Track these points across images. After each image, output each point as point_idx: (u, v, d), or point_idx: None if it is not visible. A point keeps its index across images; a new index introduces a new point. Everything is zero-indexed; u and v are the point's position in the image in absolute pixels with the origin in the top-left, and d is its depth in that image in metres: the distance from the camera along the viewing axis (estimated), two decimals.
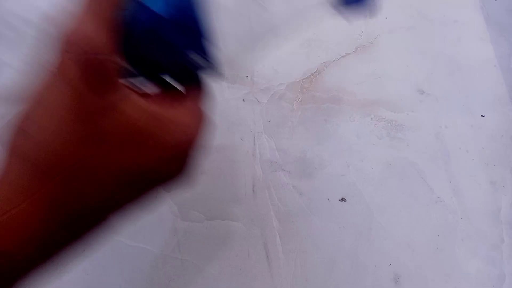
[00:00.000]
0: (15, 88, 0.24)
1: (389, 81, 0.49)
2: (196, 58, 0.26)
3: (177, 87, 0.28)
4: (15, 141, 0.23)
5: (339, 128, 0.47)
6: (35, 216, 0.22)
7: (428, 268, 0.43)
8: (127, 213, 0.27)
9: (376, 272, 0.43)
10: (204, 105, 0.28)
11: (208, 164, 0.46)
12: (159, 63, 0.26)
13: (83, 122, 0.22)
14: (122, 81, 0.24)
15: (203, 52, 0.26)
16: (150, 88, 0.28)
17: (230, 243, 0.43)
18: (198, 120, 0.27)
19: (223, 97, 0.48)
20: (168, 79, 0.28)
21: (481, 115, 0.48)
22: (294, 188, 0.45)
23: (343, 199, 0.44)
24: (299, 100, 0.48)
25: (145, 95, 0.26)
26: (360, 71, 0.49)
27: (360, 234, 0.43)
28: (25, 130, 0.23)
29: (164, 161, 0.25)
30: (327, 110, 0.48)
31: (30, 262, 0.23)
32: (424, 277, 0.43)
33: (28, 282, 0.23)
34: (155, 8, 0.22)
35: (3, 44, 0.47)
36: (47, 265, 0.24)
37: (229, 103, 0.48)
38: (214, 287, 0.42)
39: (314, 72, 0.49)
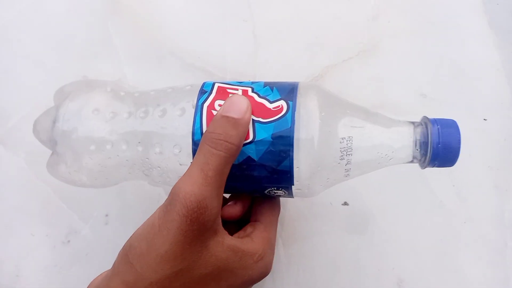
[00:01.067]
0: None
1: (392, 85, 0.49)
2: (274, 191, 0.31)
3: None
4: (120, 265, 0.28)
5: None
6: None
7: (432, 272, 0.43)
8: None
9: (379, 276, 0.42)
10: (275, 231, 0.33)
11: None
12: (245, 191, 0.32)
13: (177, 263, 0.27)
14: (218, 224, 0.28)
15: (280, 185, 0.30)
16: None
17: None
18: (270, 248, 0.31)
19: None
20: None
21: (484, 119, 0.48)
22: None
23: (345, 203, 0.44)
24: None
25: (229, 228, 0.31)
26: (363, 75, 0.49)
27: (363, 238, 0.43)
28: (130, 260, 0.27)
29: None
30: None
31: None
32: (428, 282, 0.42)
33: None
34: (248, 153, 0.29)
35: None
36: None
37: None
38: None
39: (317, 76, 0.49)
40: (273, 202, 0.34)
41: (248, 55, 0.49)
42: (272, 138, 0.28)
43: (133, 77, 0.49)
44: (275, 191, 0.31)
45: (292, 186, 0.30)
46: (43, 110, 0.34)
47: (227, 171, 0.28)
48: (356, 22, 0.51)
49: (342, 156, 0.29)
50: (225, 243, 0.28)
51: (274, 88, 0.31)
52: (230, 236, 0.29)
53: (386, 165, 0.32)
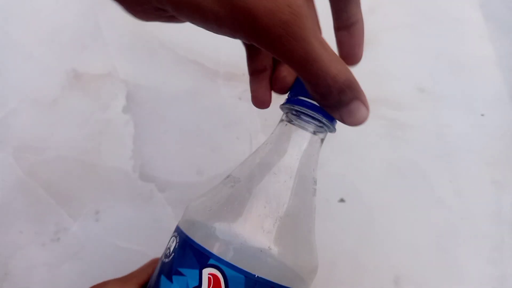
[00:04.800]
0: None
1: (390, 80, 0.48)
2: None
3: None
4: None
5: (339, 126, 0.46)
6: None
7: (429, 269, 0.42)
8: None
9: (376, 273, 0.42)
10: None
11: (204, 164, 0.45)
12: None
13: None
14: None
15: None
16: None
17: None
18: None
19: (218, 95, 0.47)
20: None
21: (482, 114, 0.47)
22: None
23: (342, 200, 0.44)
24: None
25: None
26: (361, 69, 0.48)
27: (360, 235, 0.43)
28: None
29: None
30: None
31: None
32: (425, 278, 0.42)
33: None
34: None
35: None
36: None
37: (225, 101, 0.47)
38: None
39: None
40: None
41: (242, 48, 0.48)
42: None
43: (123, 70, 0.48)
44: None
45: None
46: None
47: None
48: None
49: None
50: None
51: None
52: None
53: None
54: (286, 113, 0.29)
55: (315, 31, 0.21)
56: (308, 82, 0.22)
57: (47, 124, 0.46)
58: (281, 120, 0.29)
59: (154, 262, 0.33)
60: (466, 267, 0.43)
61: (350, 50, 0.29)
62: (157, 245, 0.42)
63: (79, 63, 0.48)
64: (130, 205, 0.44)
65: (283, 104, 0.28)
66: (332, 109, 0.25)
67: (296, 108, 0.28)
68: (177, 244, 0.26)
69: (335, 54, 0.23)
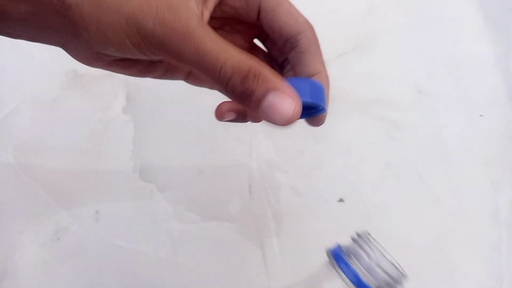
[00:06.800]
0: None
1: (388, 80, 0.48)
2: None
3: None
4: None
5: (337, 127, 0.47)
6: None
7: (427, 269, 0.43)
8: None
9: None
10: None
11: (204, 164, 0.45)
12: None
13: None
14: None
15: None
16: None
17: (226, 244, 0.42)
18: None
19: (218, 95, 0.47)
20: None
21: (480, 115, 0.47)
22: (291, 188, 0.44)
23: (341, 200, 0.44)
24: None
25: None
26: (359, 69, 0.48)
27: None
28: None
29: None
30: None
31: None
32: (423, 278, 0.42)
33: None
34: None
35: None
36: None
37: None
38: None
39: None
40: None
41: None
42: None
43: None
44: None
45: None
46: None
47: None
48: (352, 16, 0.51)
49: None
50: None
51: None
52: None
53: None
54: (332, 263, 0.28)
55: (202, 25, 0.20)
56: (211, 77, 0.22)
57: (47, 124, 0.46)
58: (327, 265, 0.28)
59: None
60: (464, 266, 0.43)
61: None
62: (156, 245, 0.42)
63: (79, 63, 0.48)
64: (130, 205, 0.44)
65: (329, 252, 0.28)
66: (251, 106, 0.22)
67: (337, 269, 0.27)
68: None
69: (228, 44, 0.21)
